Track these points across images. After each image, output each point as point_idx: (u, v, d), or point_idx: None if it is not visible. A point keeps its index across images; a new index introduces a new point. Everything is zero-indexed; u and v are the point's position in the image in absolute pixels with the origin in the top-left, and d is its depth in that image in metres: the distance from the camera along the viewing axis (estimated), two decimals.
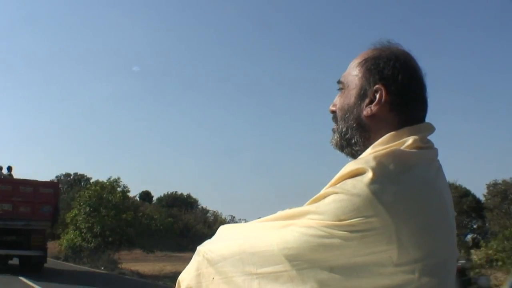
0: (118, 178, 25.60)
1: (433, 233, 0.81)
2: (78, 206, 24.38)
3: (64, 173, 52.67)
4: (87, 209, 23.98)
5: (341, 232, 0.77)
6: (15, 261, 15.44)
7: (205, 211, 49.18)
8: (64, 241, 24.53)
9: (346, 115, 0.97)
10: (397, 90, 0.92)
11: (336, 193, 0.81)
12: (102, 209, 24.23)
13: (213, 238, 0.98)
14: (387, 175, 0.80)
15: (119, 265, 22.06)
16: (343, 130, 0.98)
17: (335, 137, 1.00)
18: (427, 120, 0.97)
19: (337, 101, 1.00)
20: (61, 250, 26.08)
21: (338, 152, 1.01)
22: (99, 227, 23.42)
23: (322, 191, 0.84)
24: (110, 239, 23.76)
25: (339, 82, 1.01)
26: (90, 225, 23.89)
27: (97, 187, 24.85)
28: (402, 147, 0.87)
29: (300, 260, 0.79)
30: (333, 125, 1.02)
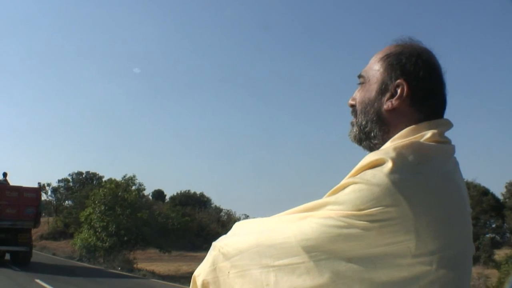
0: (133, 176, 24.89)
1: (451, 225, 0.81)
2: (92, 204, 23.69)
3: (76, 171, 52.33)
4: (102, 207, 23.31)
5: (360, 222, 0.77)
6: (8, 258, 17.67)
7: (218, 210, 48.75)
8: (78, 240, 23.85)
9: (367, 109, 0.97)
10: (418, 86, 0.93)
11: (356, 183, 0.80)
12: (118, 207, 23.56)
13: (229, 233, 0.97)
14: (407, 165, 0.80)
15: (135, 265, 21.36)
16: (363, 123, 0.98)
17: (354, 130, 1.00)
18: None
19: (357, 95, 1.00)
20: (74, 250, 25.44)
21: (356, 145, 1.01)
22: (114, 226, 22.75)
23: (342, 182, 0.84)
24: (125, 238, 23.08)
25: (360, 76, 1.01)
26: (105, 224, 23.21)
27: (112, 185, 24.17)
28: (421, 140, 0.87)
29: (318, 251, 0.79)
30: (352, 119, 1.02)
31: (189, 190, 53.28)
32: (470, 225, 0.88)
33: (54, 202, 50.61)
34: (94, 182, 51.45)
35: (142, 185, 25.02)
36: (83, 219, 24.28)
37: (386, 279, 0.77)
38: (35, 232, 46.05)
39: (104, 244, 22.95)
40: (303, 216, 0.84)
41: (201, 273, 0.96)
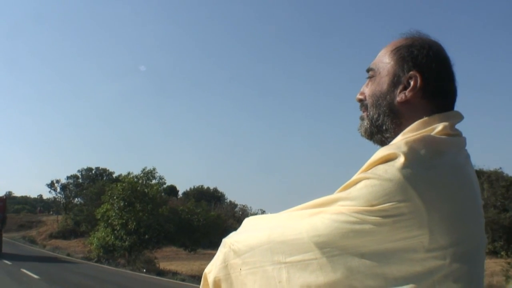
0: (153, 169, 22.72)
1: (464, 219, 0.80)
2: (110, 200, 21.57)
3: (86, 167, 50.39)
4: (121, 203, 21.23)
5: (373, 218, 0.76)
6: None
7: (233, 205, 47.00)
8: (95, 240, 21.75)
9: (379, 102, 0.95)
10: (430, 78, 0.92)
11: (368, 178, 0.79)
12: (137, 203, 21.49)
13: (239, 229, 0.96)
14: (419, 160, 0.79)
15: (158, 265, 19.31)
16: (375, 116, 0.96)
17: (365, 124, 0.98)
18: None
19: (366, 90, 0.99)
20: (90, 249, 23.33)
21: (366, 140, 1.00)
22: (135, 224, 20.69)
23: (353, 178, 0.83)
24: (146, 236, 21.01)
25: (369, 70, 0.99)
26: (124, 221, 21.14)
27: (131, 179, 22.07)
28: (432, 133, 0.86)
29: (330, 247, 0.78)
30: (361, 114, 1.00)
31: (202, 186, 51.70)
32: (482, 218, 0.86)
33: (63, 199, 48.66)
34: (105, 178, 49.59)
35: (163, 178, 22.88)
36: (99, 216, 22.21)
37: (400, 274, 0.76)
38: (44, 231, 44.37)
39: (123, 243, 20.90)
40: (315, 212, 0.83)
41: (212, 270, 0.95)
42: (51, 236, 41.23)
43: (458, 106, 0.95)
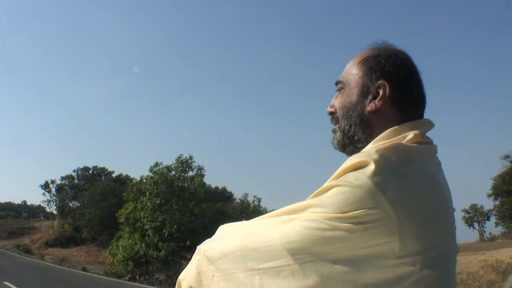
0: (191, 157, 17.99)
1: (434, 226, 0.81)
2: (141, 197, 16.81)
3: (82, 166, 45.21)
4: (156, 201, 16.52)
5: (344, 224, 0.77)
6: None
7: (246, 203, 42.74)
8: (119, 249, 16.94)
9: (349, 113, 0.97)
10: (398, 86, 0.94)
11: (339, 185, 0.80)
12: (174, 200, 16.83)
13: (213, 236, 0.97)
14: (389, 167, 0.80)
15: None
16: (346, 127, 0.97)
17: (337, 136, 0.99)
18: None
19: (336, 102, 1.01)
20: (113, 262, 18.37)
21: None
22: (175, 226, 16.03)
23: (325, 185, 0.84)
24: (188, 243, 16.34)
25: (337, 82, 1.01)
26: (158, 224, 16.46)
27: (164, 170, 17.35)
28: (403, 142, 0.87)
29: (302, 254, 0.79)
30: (333, 126, 1.02)
31: (210, 185, 47.54)
32: (453, 224, 0.88)
33: (58, 203, 43.39)
34: (103, 178, 44.40)
35: (202, 168, 18.07)
36: (123, 219, 17.45)
37: (370, 280, 0.76)
38: (39, 239, 39.23)
39: (159, 253, 16.20)
40: (287, 218, 0.83)
41: (186, 277, 0.95)
42: (47, 244, 36.11)
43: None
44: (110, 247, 18.28)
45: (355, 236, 0.76)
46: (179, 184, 17.13)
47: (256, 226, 0.89)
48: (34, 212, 69.21)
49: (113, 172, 45.14)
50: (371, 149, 0.85)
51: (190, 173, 18.00)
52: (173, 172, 17.71)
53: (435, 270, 0.79)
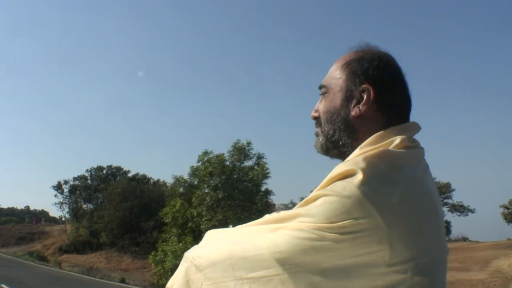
0: (249, 143, 14.89)
1: (424, 232, 0.81)
2: (197, 192, 13.70)
3: (95, 166, 42.10)
4: (214, 195, 13.43)
5: (332, 234, 0.77)
6: None
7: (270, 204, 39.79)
8: (169, 255, 13.82)
9: (333, 118, 0.96)
10: (383, 90, 0.92)
11: (327, 195, 0.80)
12: (236, 195, 13.75)
13: (201, 243, 0.97)
14: (377, 176, 0.80)
15: None
16: (330, 132, 0.96)
17: (320, 140, 0.99)
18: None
19: (320, 106, 0.99)
20: (159, 272, 15.19)
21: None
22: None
23: (312, 194, 0.83)
24: None
25: (321, 87, 1.00)
26: (216, 223, 13.37)
27: (221, 157, 14.26)
28: (390, 147, 0.86)
29: (291, 264, 0.79)
30: (316, 130, 1.01)
31: None
32: (443, 228, 0.88)
33: (72, 204, 40.29)
34: (118, 178, 41.25)
35: (262, 157, 14.96)
36: (169, 219, 14.38)
37: None
38: (51, 244, 36.14)
39: None
40: (275, 227, 0.83)
41: (173, 285, 0.95)
42: (61, 250, 32.96)
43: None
44: (153, 253, 15.21)
45: (345, 245, 0.75)
46: (241, 175, 14.09)
47: (244, 234, 0.88)
48: (38, 217, 66.96)
49: (129, 171, 42.08)
50: (358, 156, 0.83)
51: (246, 163, 14.98)
52: (227, 163, 14.70)
53: (427, 276, 0.78)
